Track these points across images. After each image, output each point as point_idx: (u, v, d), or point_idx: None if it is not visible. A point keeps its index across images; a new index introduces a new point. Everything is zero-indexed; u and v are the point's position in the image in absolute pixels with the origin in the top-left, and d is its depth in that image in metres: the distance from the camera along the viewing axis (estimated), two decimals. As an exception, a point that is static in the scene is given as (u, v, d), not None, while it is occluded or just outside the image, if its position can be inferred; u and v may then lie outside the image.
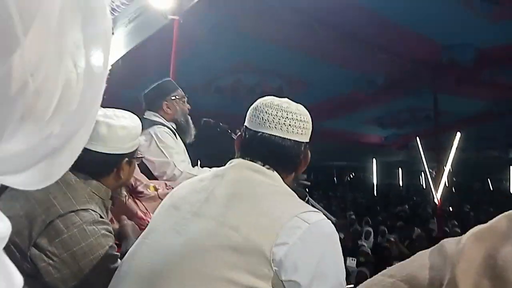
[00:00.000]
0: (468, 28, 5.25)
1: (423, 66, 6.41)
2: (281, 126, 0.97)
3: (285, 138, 0.98)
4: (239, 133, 1.06)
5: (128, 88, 7.22)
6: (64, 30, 0.27)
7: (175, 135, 1.97)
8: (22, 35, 0.24)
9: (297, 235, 0.84)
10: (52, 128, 0.29)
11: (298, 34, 5.27)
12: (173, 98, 2.03)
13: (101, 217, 1.14)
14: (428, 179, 8.53)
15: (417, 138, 8.92)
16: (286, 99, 1.04)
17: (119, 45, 6.30)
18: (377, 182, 16.41)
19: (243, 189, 0.93)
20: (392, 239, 6.81)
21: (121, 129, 1.20)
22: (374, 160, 15.46)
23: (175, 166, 1.80)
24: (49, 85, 0.27)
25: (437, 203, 7.26)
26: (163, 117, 2.01)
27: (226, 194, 0.93)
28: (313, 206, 2.02)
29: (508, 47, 5.53)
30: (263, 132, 0.98)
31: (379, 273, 0.56)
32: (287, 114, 0.98)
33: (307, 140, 1.03)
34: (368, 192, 17.62)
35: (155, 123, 1.94)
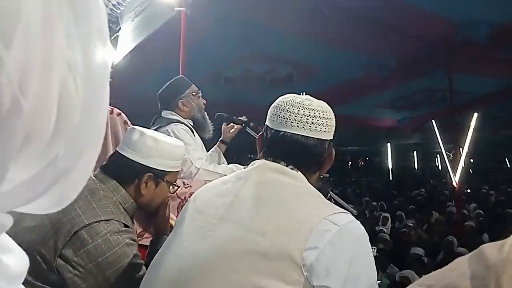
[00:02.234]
0: (481, 4, 5.07)
1: (436, 46, 6.23)
2: (304, 125, 0.94)
3: (308, 136, 0.94)
4: (261, 133, 1.03)
5: (138, 82, 7.25)
6: (52, 32, 0.23)
7: (192, 132, 1.96)
8: (5, 53, 0.20)
9: (327, 239, 0.81)
10: (57, 148, 0.26)
11: (306, 20, 5.16)
12: (188, 95, 2.02)
13: (125, 225, 1.13)
14: (445, 161, 8.37)
15: (433, 121, 8.75)
16: (307, 96, 1.01)
17: (127, 39, 6.29)
18: (392, 166, 16.23)
19: (268, 192, 0.91)
20: (411, 224, 6.74)
21: (151, 139, 1.19)
22: (388, 144, 15.26)
23: (192, 163, 1.78)
24: (43, 99, 0.23)
25: (455, 186, 7.12)
26: (179, 115, 2.00)
27: (251, 197, 0.90)
28: (334, 200, 1.98)
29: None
30: (285, 131, 0.95)
31: (415, 283, 0.52)
32: (309, 112, 0.95)
33: (331, 138, 0.99)
34: (383, 176, 17.48)
35: (172, 121, 1.94)
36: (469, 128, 8.33)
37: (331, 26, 5.29)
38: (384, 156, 16.83)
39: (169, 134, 1.83)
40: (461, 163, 7.48)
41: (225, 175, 1.85)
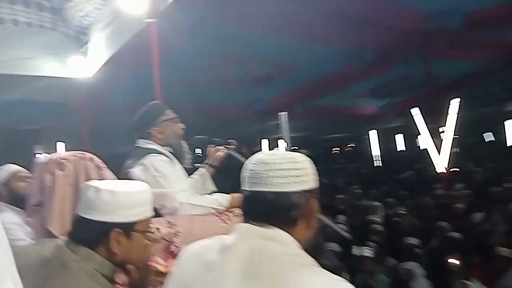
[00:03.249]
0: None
1: (410, 36, 6.27)
2: (261, 180, 0.92)
3: (269, 191, 0.91)
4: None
5: (117, 91, 7.10)
6: None
7: (172, 160, 1.85)
8: None
9: None
10: None
11: (280, 19, 5.10)
12: (163, 121, 1.91)
13: None
14: (428, 142, 8.41)
15: (411, 110, 8.79)
16: (278, 151, 0.99)
17: (99, 50, 6.14)
18: (378, 151, 16.37)
19: (259, 265, 0.85)
20: (403, 211, 6.73)
21: (108, 194, 1.09)
22: (373, 131, 15.41)
23: (174, 197, 1.68)
24: None
25: (443, 169, 7.13)
26: (156, 143, 1.89)
27: (241, 272, 0.85)
28: (325, 222, 1.92)
29: (497, 7, 5.39)
30: (248, 190, 0.95)
31: None
32: (269, 167, 0.92)
33: (302, 188, 0.93)
34: (370, 162, 17.57)
35: (149, 151, 1.82)
36: (448, 108, 8.39)
37: (306, 24, 5.24)
38: (368, 143, 16.95)
39: (145, 168, 1.74)
40: (446, 144, 7.49)
41: (211, 207, 1.79)
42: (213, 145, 2.10)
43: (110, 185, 1.12)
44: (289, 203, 0.91)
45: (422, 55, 6.73)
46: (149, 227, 1.18)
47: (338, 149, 25.83)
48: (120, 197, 1.09)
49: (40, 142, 8.35)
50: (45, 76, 6.19)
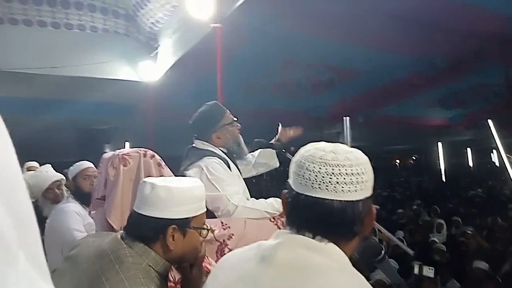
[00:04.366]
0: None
1: (488, 42, 5.80)
2: (327, 186, 0.77)
3: (334, 200, 0.77)
4: (284, 191, 0.86)
5: (180, 94, 7.38)
6: None
7: (227, 164, 1.87)
8: None
9: None
10: None
11: (345, 23, 4.98)
12: (223, 126, 1.94)
13: None
14: (502, 158, 7.75)
15: (488, 120, 8.16)
16: (333, 147, 0.84)
17: (167, 55, 6.44)
18: (444, 165, 15.37)
19: (300, 281, 0.75)
20: (469, 231, 6.25)
21: (164, 190, 1.10)
22: (440, 143, 14.51)
23: (229, 200, 1.69)
24: None
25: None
26: (213, 145, 1.93)
27: (280, 286, 0.76)
28: (380, 231, 1.82)
29: None
30: (306, 195, 0.79)
31: None
32: (333, 169, 0.78)
33: (367, 195, 0.81)
34: (435, 176, 16.58)
35: (205, 153, 1.86)
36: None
37: (371, 28, 5.07)
38: (435, 155, 15.98)
39: (202, 170, 1.76)
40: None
41: (266, 211, 1.77)
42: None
43: (165, 181, 1.14)
44: (355, 214, 0.79)
45: (500, 63, 6.23)
46: (204, 224, 1.18)
47: (399, 161, 24.75)
48: (175, 193, 1.10)
49: (109, 141, 8.89)
50: (117, 79, 6.60)
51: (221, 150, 1.94)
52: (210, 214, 1.66)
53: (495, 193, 11.26)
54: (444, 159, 15.25)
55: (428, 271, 3.27)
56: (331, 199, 0.77)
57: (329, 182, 0.77)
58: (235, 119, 2.00)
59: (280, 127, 2.16)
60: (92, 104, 7.17)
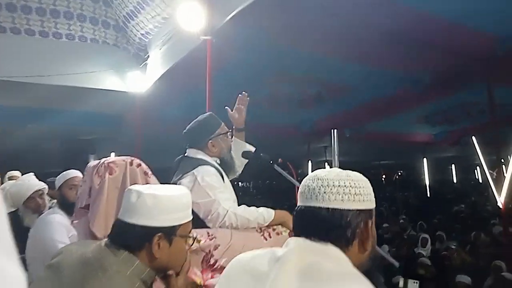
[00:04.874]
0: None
1: (474, 60, 5.93)
2: (316, 196, 0.91)
3: (322, 207, 0.89)
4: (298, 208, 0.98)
5: (169, 105, 7.37)
6: None
7: (221, 174, 1.87)
8: None
9: None
10: None
11: (335, 39, 5.05)
12: (218, 135, 1.96)
13: None
14: (486, 175, 7.89)
15: (473, 137, 8.32)
16: (333, 169, 0.97)
17: (156, 66, 6.44)
18: (429, 181, 15.57)
19: (311, 282, 0.81)
20: (453, 246, 6.33)
21: (151, 198, 1.09)
22: (425, 159, 14.71)
23: (220, 203, 1.69)
24: None
25: (500, 204, 6.65)
26: (207, 154, 1.93)
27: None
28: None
29: None
30: (301, 205, 0.94)
31: None
32: (322, 182, 0.91)
33: (358, 207, 0.90)
34: (420, 191, 16.78)
35: (200, 162, 1.85)
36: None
37: (362, 46, 5.15)
38: (420, 171, 16.20)
39: (195, 179, 1.75)
40: (508, 178, 6.99)
41: (256, 222, 1.76)
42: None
43: (152, 189, 1.13)
44: (343, 221, 0.88)
45: (484, 81, 6.37)
46: (190, 232, 1.18)
47: (384, 176, 24.99)
48: (162, 201, 1.09)
49: (94, 151, 8.77)
50: (104, 90, 6.55)
51: (214, 161, 1.94)
52: (199, 223, 1.65)
53: (479, 209, 11.42)
54: (429, 175, 15.45)
55: (413, 285, 3.28)
56: (319, 207, 0.89)
57: (318, 192, 0.90)
58: (229, 130, 2.03)
59: (230, 114, 2.17)
60: (78, 114, 7.10)
